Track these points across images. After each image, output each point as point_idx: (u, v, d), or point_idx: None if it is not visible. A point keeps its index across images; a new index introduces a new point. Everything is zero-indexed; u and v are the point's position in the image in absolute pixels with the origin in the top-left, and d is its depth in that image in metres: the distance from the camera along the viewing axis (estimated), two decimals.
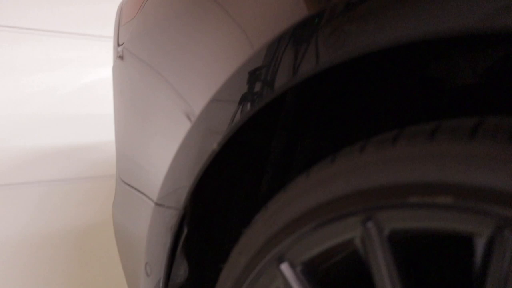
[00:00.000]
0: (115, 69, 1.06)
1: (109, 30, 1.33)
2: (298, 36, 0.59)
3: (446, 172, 0.51)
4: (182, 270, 0.80)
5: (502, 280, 0.47)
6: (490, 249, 0.48)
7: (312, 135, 0.94)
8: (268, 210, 0.67)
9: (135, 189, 0.88)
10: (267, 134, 0.90)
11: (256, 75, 0.64)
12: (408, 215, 0.53)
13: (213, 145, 0.67)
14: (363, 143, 0.59)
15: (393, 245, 0.55)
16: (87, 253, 1.94)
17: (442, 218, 0.51)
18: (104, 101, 2.02)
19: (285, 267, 0.63)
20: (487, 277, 0.48)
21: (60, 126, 1.91)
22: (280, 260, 0.63)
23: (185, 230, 0.76)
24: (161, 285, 0.79)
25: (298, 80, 0.60)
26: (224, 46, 0.68)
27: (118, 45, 1.04)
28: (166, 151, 0.76)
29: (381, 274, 0.55)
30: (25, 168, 1.82)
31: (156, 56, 0.81)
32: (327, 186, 0.60)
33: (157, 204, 0.78)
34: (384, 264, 0.55)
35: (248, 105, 0.65)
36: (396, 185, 0.54)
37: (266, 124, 0.87)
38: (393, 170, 0.54)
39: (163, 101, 0.78)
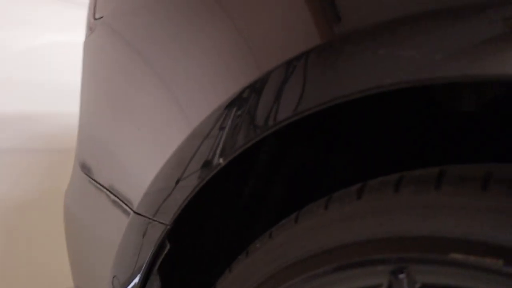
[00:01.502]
0: (87, 45, 0.94)
1: None
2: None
3: (500, 232, 0.45)
4: None
5: None
6: None
7: (303, 142, 0.87)
8: (273, 240, 0.59)
9: (105, 188, 0.78)
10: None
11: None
12: (448, 273, 0.48)
13: (220, 159, 0.59)
14: (397, 181, 0.53)
15: None
16: (15, 231, 1.78)
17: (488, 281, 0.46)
18: (48, 68, 1.85)
19: None
20: None
21: None
22: None
23: (167, 246, 0.67)
24: None
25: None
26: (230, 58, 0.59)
27: (95, 18, 0.92)
28: (154, 155, 0.67)
29: None
30: None
31: (149, 46, 0.71)
32: (352, 225, 0.53)
33: (136, 213, 0.69)
34: None
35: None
36: (438, 237, 0.48)
37: None
38: (437, 220, 0.48)
39: (156, 99, 0.68)
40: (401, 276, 0.49)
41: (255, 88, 0.56)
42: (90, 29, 0.94)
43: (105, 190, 0.78)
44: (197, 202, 0.66)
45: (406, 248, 0.49)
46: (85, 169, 0.87)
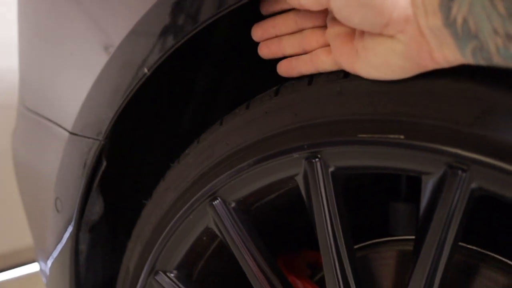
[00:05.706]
0: None
1: None
2: None
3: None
4: (97, 206, 0.73)
5: (448, 220, 0.46)
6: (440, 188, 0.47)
7: (241, 69, 0.89)
8: (200, 143, 0.62)
9: (45, 117, 0.79)
10: (194, 66, 0.84)
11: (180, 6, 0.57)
12: (357, 152, 0.51)
13: (144, 69, 0.60)
14: (311, 76, 0.56)
15: (337, 182, 0.53)
16: None
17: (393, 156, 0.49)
18: None
19: (218, 204, 0.59)
20: (433, 217, 0.47)
21: None
22: (213, 197, 0.59)
23: (104, 163, 0.69)
24: (73, 222, 0.72)
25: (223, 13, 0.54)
26: None
27: None
28: (84, 77, 0.68)
29: (323, 214, 0.53)
30: None
31: None
32: (270, 119, 0.56)
33: (72, 133, 0.70)
34: (326, 203, 0.53)
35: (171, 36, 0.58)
36: (345, 120, 0.51)
37: (194, 55, 0.81)
38: (343, 104, 0.51)
39: (79, 26, 0.69)
40: (315, 161, 0.52)
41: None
42: None
43: (43, 119, 0.79)
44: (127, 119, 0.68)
45: (317, 134, 0.52)
46: (27, 103, 0.88)
